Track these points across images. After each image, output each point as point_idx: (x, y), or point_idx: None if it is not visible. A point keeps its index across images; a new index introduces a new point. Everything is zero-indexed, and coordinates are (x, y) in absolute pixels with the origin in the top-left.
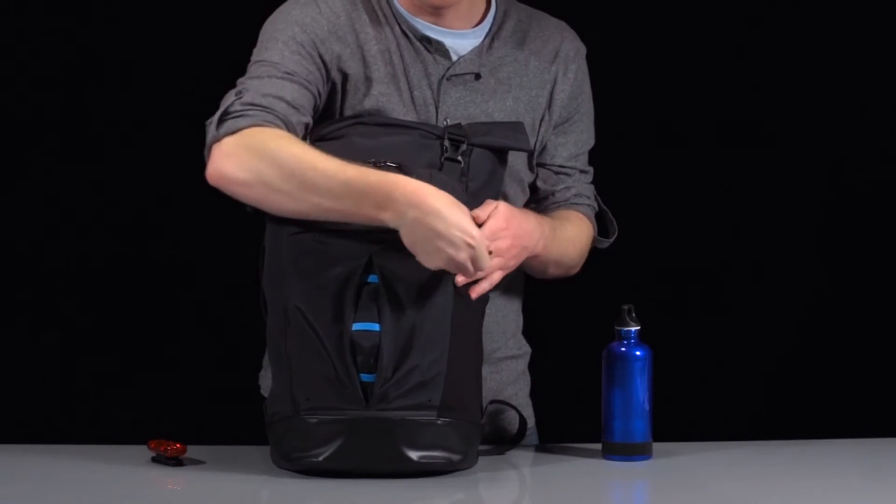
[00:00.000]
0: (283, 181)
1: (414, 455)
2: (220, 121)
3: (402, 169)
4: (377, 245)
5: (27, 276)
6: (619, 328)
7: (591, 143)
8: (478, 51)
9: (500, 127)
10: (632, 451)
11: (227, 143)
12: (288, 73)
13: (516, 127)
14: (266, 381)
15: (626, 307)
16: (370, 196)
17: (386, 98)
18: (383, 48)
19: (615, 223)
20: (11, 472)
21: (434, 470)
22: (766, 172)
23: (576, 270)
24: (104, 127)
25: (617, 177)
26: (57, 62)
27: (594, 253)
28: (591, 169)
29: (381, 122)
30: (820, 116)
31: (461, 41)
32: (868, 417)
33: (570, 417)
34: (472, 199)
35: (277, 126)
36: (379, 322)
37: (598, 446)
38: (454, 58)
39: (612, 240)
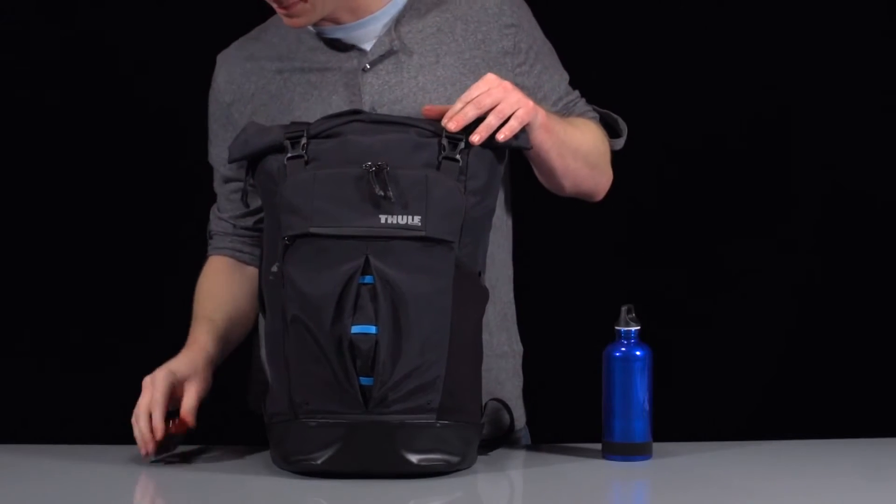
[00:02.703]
0: None
1: (413, 458)
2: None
3: (388, 170)
4: (374, 245)
5: (27, 277)
6: (619, 328)
7: (566, 77)
8: (387, 30)
9: None
10: (632, 451)
11: None
12: (223, 180)
13: None
14: (253, 395)
15: (625, 307)
16: None
17: (304, 112)
18: (295, 72)
19: (620, 120)
20: (11, 472)
21: (433, 472)
22: (764, 172)
23: (603, 180)
24: (101, 130)
25: (617, 177)
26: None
27: (593, 253)
28: (576, 92)
29: (377, 120)
30: (818, 117)
31: (373, 26)
32: (868, 417)
33: (571, 417)
34: (471, 199)
35: (221, 254)
36: (376, 324)
37: (598, 446)
38: (366, 47)
39: (624, 137)
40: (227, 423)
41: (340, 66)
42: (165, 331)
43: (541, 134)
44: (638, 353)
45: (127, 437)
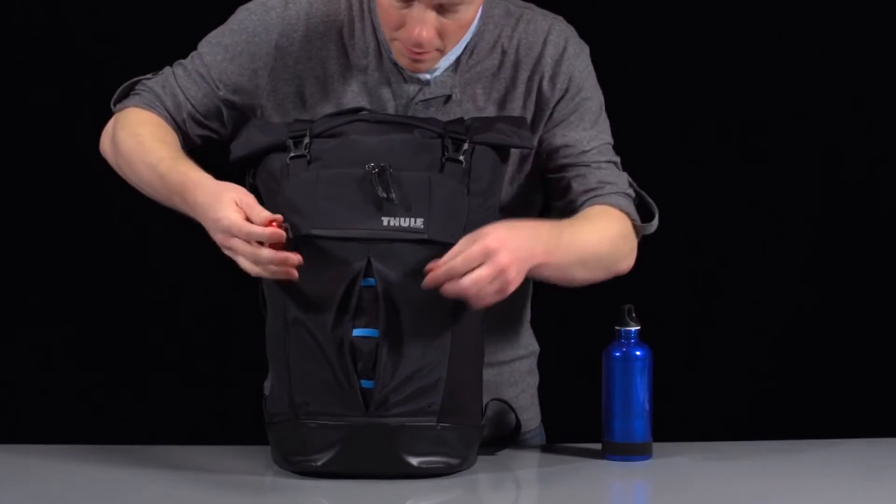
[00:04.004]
0: (123, 166)
1: (413, 461)
2: (128, 94)
3: (391, 172)
4: (376, 248)
5: (26, 276)
6: (619, 328)
7: (606, 138)
8: (453, 68)
9: (503, 122)
10: (632, 451)
11: (114, 118)
12: (205, 78)
13: (519, 122)
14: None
15: (626, 307)
16: (176, 192)
17: None
18: (355, 69)
19: (654, 203)
20: (11, 472)
21: (433, 474)
22: (763, 174)
23: (623, 267)
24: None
25: None
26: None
27: None
28: (616, 159)
29: (380, 120)
30: (815, 116)
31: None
32: (867, 417)
33: (571, 417)
34: (474, 199)
35: (156, 112)
36: (378, 327)
37: (599, 446)
38: (427, 78)
39: (656, 222)
40: (228, 422)
41: (398, 92)
42: (166, 331)
43: (540, 270)
44: (638, 353)
45: (126, 438)
